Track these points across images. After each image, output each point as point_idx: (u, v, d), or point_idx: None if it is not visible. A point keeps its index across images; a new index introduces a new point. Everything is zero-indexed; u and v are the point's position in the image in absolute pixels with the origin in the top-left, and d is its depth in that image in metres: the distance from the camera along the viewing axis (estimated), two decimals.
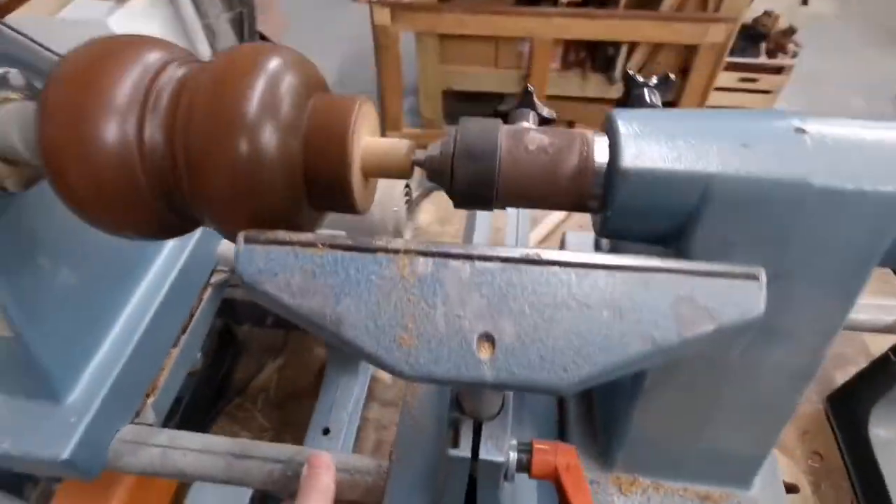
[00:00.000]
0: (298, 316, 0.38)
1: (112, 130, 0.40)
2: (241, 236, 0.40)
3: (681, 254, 0.40)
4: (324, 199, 0.44)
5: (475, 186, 0.40)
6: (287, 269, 0.38)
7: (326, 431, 1.08)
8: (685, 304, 0.35)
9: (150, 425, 0.72)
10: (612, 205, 0.39)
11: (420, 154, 0.44)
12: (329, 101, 0.43)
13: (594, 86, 2.77)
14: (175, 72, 0.43)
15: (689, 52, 2.49)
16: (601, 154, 0.40)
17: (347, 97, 0.44)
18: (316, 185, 0.43)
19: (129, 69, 0.41)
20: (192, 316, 0.84)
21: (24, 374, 0.63)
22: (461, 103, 2.98)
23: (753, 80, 2.64)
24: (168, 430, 0.70)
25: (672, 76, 0.46)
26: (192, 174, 0.40)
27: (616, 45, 2.60)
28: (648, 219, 0.40)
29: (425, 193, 1.30)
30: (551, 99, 2.72)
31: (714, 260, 0.37)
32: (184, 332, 0.82)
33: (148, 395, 0.76)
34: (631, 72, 0.46)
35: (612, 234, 0.43)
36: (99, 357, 0.69)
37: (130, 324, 0.73)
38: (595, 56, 2.73)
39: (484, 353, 0.36)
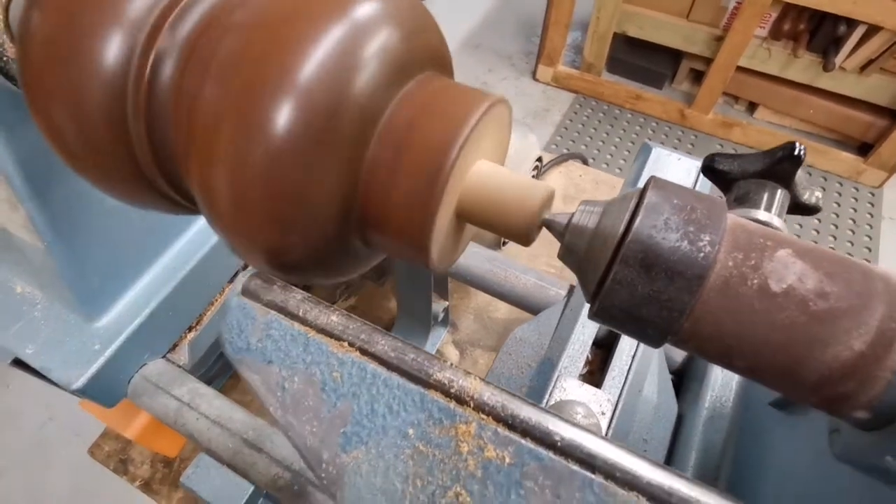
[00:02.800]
0: (285, 435, 0.24)
1: (114, 48, 0.26)
2: (239, 282, 0.25)
3: None
4: (380, 238, 0.27)
5: (637, 320, 0.22)
6: (286, 363, 0.24)
7: None
8: None
9: (181, 367, 0.65)
10: None
11: (559, 216, 0.25)
12: (434, 93, 0.26)
13: (801, 68, 2.26)
14: None
15: None
16: None
17: (469, 91, 0.26)
18: (373, 217, 0.26)
19: None
20: None
21: (57, 285, 0.57)
22: (631, 53, 2.59)
23: None
24: (193, 382, 0.63)
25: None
26: (193, 139, 0.25)
27: (851, 23, 2.06)
28: None
29: (558, 163, 1.08)
30: (740, 72, 2.27)
31: None
32: (247, 266, 0.74)
33: (191, 329, 0.69)
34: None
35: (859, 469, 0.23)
36: (143, 283, 0.62)
37: (185, 252, 0.64)
38: (817, 31, 2.20)
39: None
